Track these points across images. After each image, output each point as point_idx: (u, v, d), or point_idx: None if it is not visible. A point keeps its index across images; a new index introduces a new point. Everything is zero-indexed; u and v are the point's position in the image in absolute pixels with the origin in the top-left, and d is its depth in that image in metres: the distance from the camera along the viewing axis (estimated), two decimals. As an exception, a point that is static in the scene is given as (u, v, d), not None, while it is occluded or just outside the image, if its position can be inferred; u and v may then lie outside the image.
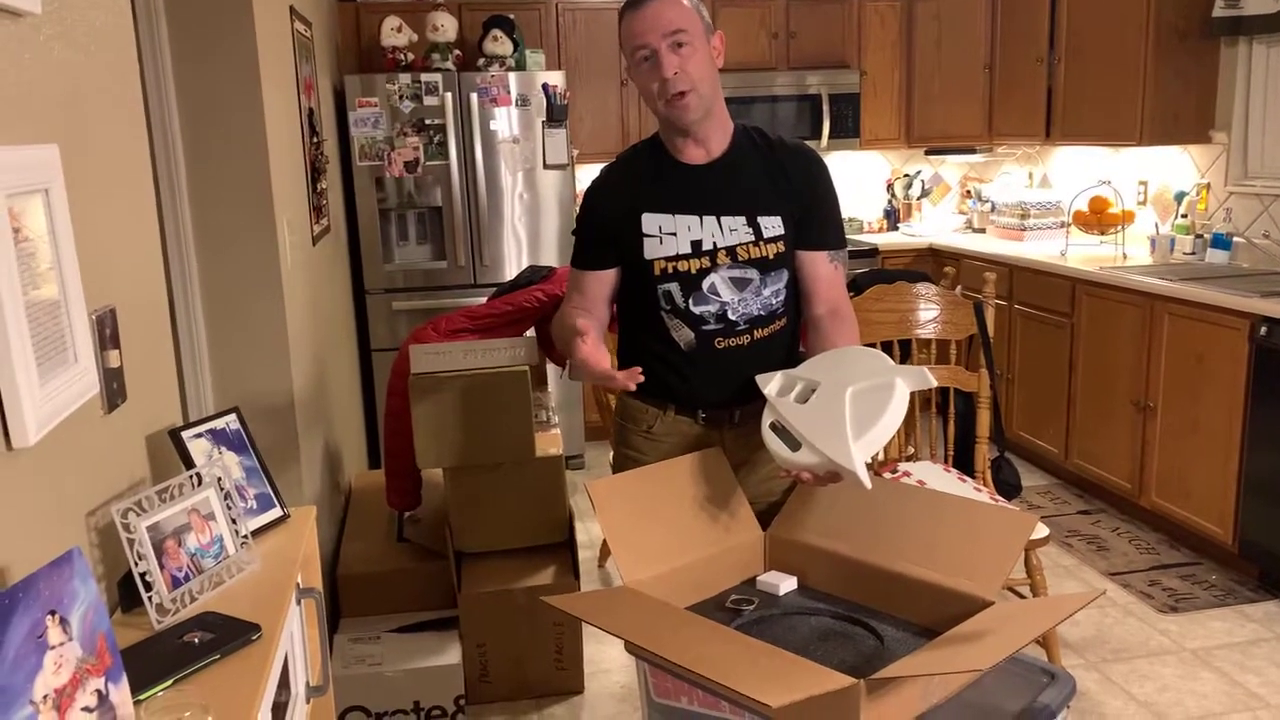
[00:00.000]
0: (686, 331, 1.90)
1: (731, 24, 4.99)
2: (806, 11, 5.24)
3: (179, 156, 2.43)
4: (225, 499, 1.58)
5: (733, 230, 1.87)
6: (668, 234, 1.87)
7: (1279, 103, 3.93)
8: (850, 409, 1.61)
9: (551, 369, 3.73)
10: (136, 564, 1.39)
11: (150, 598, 1.39)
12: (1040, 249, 4.64)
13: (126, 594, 1.45)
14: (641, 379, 1.69)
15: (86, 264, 1.38)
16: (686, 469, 1.82)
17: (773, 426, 1.71)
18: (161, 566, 1.42)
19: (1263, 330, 3.23)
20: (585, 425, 4.82)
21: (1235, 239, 4.04)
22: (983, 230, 5.40)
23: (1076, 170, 5.05)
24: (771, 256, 1.89)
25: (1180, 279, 3.70)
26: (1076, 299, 4.11)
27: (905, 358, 2.94)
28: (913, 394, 1.71)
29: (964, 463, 3.01)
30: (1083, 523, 3.99)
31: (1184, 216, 4.31)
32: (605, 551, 3.74)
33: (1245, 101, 4.04)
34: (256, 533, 1.70)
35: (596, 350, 1.69)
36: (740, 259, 1.87)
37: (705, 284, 1.87)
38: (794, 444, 1.65)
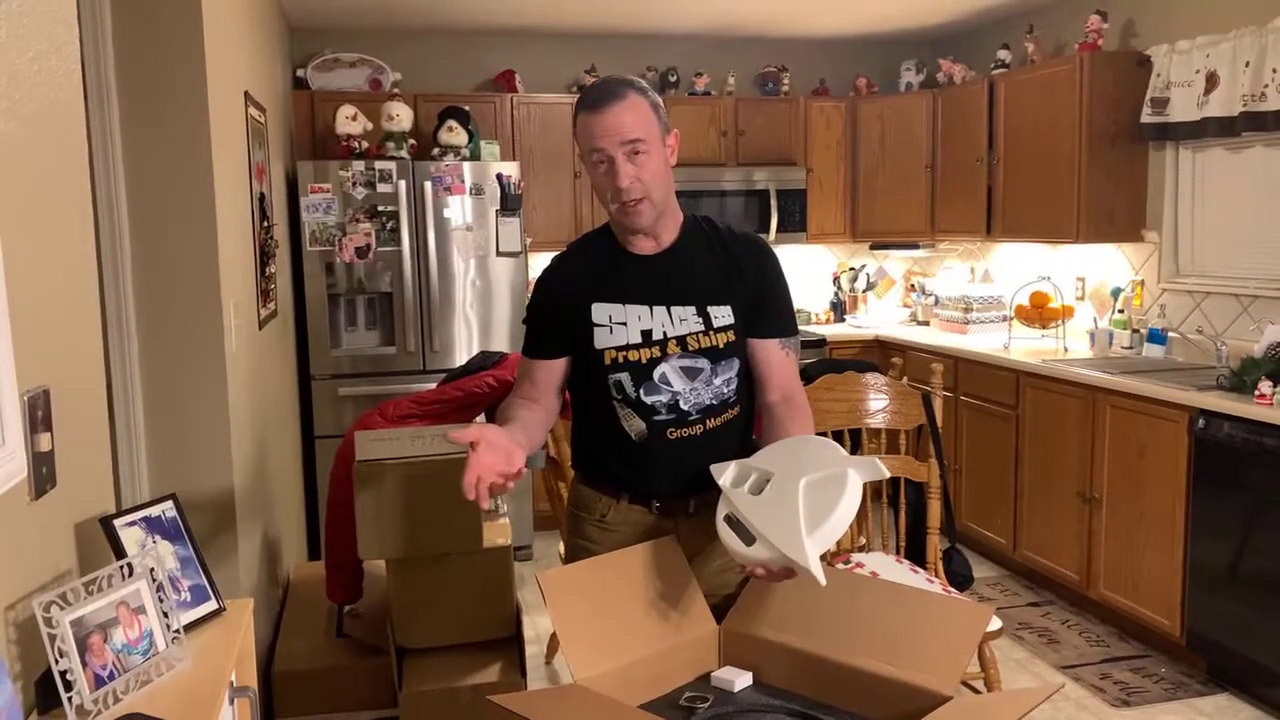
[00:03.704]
0: (638, 421, 1.88)
1: (683, 121, 5.11)
2: (755, 110, 5.40)
3: (124, 237, 2.39)
4: (158, 591, 1.50)
5: (683, 320, 1.87)
6: (618, 324, 1.86)
7: (1206, 204, 4.11)
8: (804, 502, 1.59)
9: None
10: (57, 661, 1.31)
11: (70, 698, 1.30)
12: (983, 342, 4.74)
13: (45, 694, 1.36)
14: (486, 507, 1.60)
15: (21, 342, 1.33)
16: (640, 560, 1.78)
17: (727, 519, 1.68)
18: (84, 664, 1.33)
19: (1201, 422, 3.30)
20: (535, 514, 4.74)
21: (1170, 334, 4.16)
22: (926, 323, 5.51)
23: (1017, 266, 5.20)
24: (722, 346, 1.88)
25: (1120, 372, 3.79)
26: (1021, 391, 4.19)
27: (856, 447, 2.94)
28: (865, 484, 1.70)
29: (916, 554, 3.00)
30: (1033, 615, 3.99)
31: (1121, 312, 4.44)
32: (552, 647, 3.64)
33: (1174, 203, 4.21)
34: (190, 627, 1.62)
35: (478, 461, 1.57)
36: (691, 348, 1.87)
37: (656, 374, 1.86)
38: (749, 538, 1.62)
